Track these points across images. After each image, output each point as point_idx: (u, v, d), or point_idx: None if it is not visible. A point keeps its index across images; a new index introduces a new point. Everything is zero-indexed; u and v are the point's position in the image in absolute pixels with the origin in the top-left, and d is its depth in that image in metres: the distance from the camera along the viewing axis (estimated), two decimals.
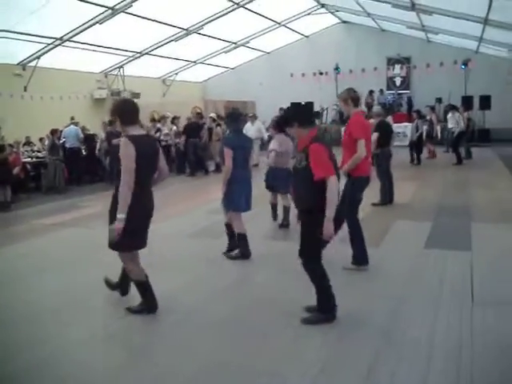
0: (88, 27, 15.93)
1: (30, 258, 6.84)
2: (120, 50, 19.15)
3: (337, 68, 22.83)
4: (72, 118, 15.38)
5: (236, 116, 6.34)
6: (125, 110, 4.39)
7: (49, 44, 16.45)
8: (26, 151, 14.35)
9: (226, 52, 22.99)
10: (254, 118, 15.88)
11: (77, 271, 6.12)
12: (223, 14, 18.70)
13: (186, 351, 3.98)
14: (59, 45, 16.54)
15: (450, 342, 3.93)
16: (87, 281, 5.66)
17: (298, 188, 4.29)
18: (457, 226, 7.60)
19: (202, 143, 15.28)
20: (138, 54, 20.12)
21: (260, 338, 4.14)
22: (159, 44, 19.67)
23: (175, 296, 5.10)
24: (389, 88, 23.72)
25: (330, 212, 4.00)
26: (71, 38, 16.36)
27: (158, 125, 15.70)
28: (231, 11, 18.68)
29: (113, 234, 4.20)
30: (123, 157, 4.19)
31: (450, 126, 15.93)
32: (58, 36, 16.14)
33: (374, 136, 8.66)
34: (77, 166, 13.91)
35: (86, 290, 5.42)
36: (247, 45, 22.90)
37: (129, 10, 15.70)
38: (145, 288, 4.61)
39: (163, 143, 14.85)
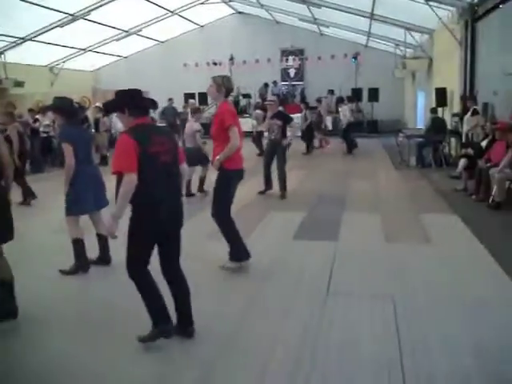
0: None
1: None
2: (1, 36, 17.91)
3: (231, 58, 22.81)
4: None
5: (69, 106, 5.57)
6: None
7: None
8: None
9: (117, 40, 22.22)
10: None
11: None
12: (112, 0, 18.00)
13: None
14: None
15: (294, 338, 3.88)
16: None
17: None
18: (329, 217, 7.71)
19: None
20: (21, 40, 18.93)
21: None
22: (44, 29, 18.58)
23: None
24: (283, 79, 24.07)
25: (116, 208, 3.55)
26: None
27: (37, 115, 14.85)
28: None
29: None
30: None
31: (341, 117, 16.46)
32: None
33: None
34: None
35: None
36: (140, 33, 22.28)
37: None
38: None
39: (44, 135, 14.12)
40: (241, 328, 4.09)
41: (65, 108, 5.46)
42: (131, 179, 3.46)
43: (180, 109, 18.66)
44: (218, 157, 5.11)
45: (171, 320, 3.78)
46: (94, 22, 19.18)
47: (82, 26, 19.07)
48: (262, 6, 20.71)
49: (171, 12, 21.46)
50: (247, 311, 4.41)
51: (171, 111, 18.42)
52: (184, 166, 3.99)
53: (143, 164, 3.49)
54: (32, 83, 19.95)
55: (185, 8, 21.55)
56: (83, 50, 22.46)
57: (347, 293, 4.76)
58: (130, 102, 3.71)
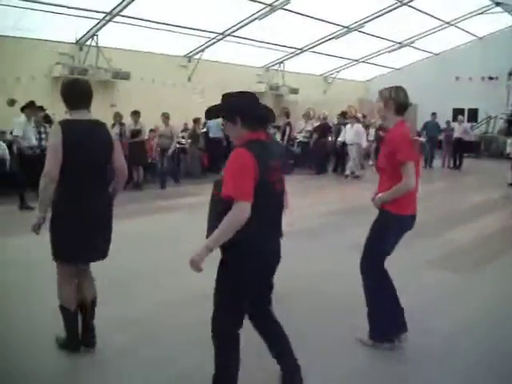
0: (248, 23, 16.76)
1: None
2: (280, 46, 19.74)
3: (511, 73, 21.05)
4: None
5: None
6: (71, 92, 3.73)
7: (212, 38, 17.60)
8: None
9: (389, 52, 22.45)
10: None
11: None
12: (386, 12, 18.29)
13: None
14: (221, 39, 17.62)
15: None
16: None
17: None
18: None
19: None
20: (299, 51, 20.57)
21: None
22: (320, 41, 19.88)
23: None
24: None
25: (214, 240, 2.79)
26: (232, 33, 17.32)
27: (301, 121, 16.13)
28: (395, 9, 18.21)
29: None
30: (48, 145, 3.74)
31: None
32: (221, 31, 17.21)
33: None
34: (218, 155, 14.65)
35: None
36: (413, 45, 22.10)
37: (287, 7, 16.15)
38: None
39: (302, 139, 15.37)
40: None
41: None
42: (245, 209, 2.75)
43: (443, 124, 18.16)
44: (380, 194, 3.93)
45: None
46: (368, 33, 19.75)
47: (355, 37, 19.86)
48: None
49: (447, 23, 20.79)
50: None
51: (433, 126, 17.98)
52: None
53: (258, 193, 2.79)
54: (305, 91, 21.50)
55: (462, 19, 20.65)
56: (356, 60, 23.27)
57: None
58: (246, 109, 2.95)
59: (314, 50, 20.61)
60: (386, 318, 3.99)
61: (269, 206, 2.93)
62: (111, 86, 15.95)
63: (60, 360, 3.84)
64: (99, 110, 12.52)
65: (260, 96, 15.11)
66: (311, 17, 17.22)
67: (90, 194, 3.69)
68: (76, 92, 3.70)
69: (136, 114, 12.26)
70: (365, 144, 14.89)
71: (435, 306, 4.97)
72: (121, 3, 13.72)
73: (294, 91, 21.61)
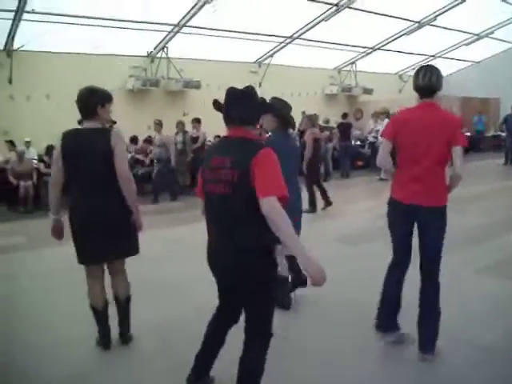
0: (315, 25, 16.67)
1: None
2: (351, 46, 19.46)
3: None
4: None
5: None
6: (77, 104, 3.92)
7: (280, 43, 17.69)
8: None
9: (466, 45, 21.49)
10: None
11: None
12: (459, 3, 17.55)
13: None
14: (289, 43, 17.67)
15: None
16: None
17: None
18: None
19: None
20: (370, 50, 20.20)
21: None
22: (391, 38, 19.41)
23: None
24: None
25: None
26: (300, 36, 17.30)
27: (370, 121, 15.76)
28: None
29: None
30: None
31: None
32: (289, 35, 17.26)
33: None
34: None
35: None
36: (492, 36, 21.03)
37: (353, 6, 15.93)
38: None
39: (372, 140, 14.98)
40: None
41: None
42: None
43: None
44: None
45: None
46: (441, 27, 19.03)
47: (428, 32, 19.19)
48: None
49: None
50: None
51: None
52: None
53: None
54: (380, 90, 21.07)
55: None
56: (432, 56, 22.49)
57: None
58: (224, 108, 2.93)
59: (386, 47, 20.11)
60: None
61: (207, 211, 2.94)
62: (182, 96, 16.44)
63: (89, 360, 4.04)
64: (172, 119, 13.12)
65: (333, 98, 15.17)
66: (379, 13, 16.83)
67: (89, 200, 3.86)
68: (78, 104, 3.91)
69: (196, 121, 12.56)
70: None
71: (482, 315, 4.67)
72: (186, 15, 14.11)
73: (368, 91, 21.26)
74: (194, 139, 12.56)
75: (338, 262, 5.80)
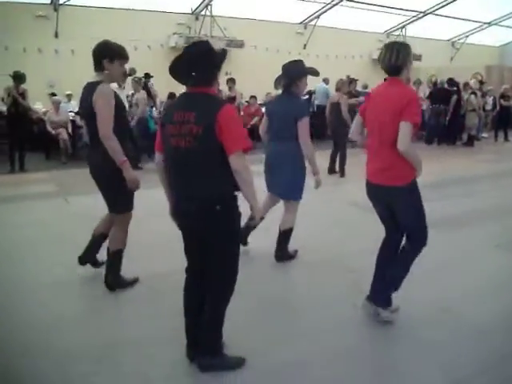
0: None
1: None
2: (401, 10, 18.83)
3: None
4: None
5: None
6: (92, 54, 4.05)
7: (327, 4, 17.31)
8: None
9: None
10: None
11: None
12: None
13: None
14: (337, 4, 17.25)
15: None
16: None
17: None
18: None
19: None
20: (422, 14, 19.53)
21: None
22: (445, 3, 18.65)
23: None
24: None
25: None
26: None
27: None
28: None
29: None
30: None
31: None
32: None
33: None
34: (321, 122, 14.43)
35: None
36: None
37: None
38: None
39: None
40: None
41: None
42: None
43: None
44: None
45: None
46: None
47: None
48: None
49: None
50: None
51: None
52: None
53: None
54: (430, 57, 20.38)
55: None
56: (487, 23, 21.54)
57: None
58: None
59: (438, 12, 19.37)
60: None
61: (171, 164, 3.02)
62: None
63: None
64: None
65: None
66: None
67: (89, 152, 4.20)
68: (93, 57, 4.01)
69: (231, 81, 12.52)
70: None
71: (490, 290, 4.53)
72: None
73: (417, 58, 20.51)
74: (231, 99, 12.54)
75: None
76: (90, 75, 4.07)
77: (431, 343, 3.54)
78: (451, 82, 14.82)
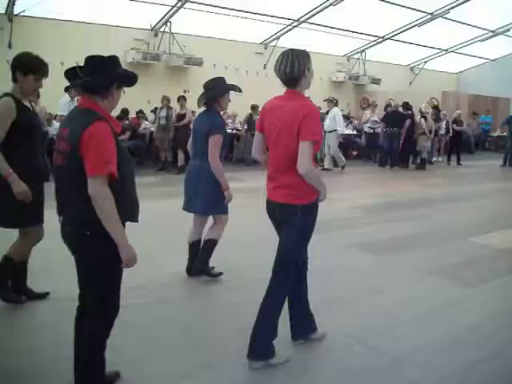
0: (323, 9, 16.38)
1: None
2: (360, 34, 19.10)
3: None
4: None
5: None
6: None
7: (287, 25, 17.45)
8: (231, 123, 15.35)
9: (481, 41, 21.00)
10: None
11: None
12: None
13: None
14: (297, 26, 17.42)
15: None
16: None
17: None
18: None
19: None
20: (380, 39, 19.87)
21: None
22: (402, 29, 19.02)
23: None
24: None
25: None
26: (308, 19, 17.05)
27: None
28: None
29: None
30: None
31: None
32: (296, 17, 17.01)
33: None
34: None
35: None
36: (508, 33, 20.53)
37: None
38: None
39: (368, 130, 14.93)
40: None
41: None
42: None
43: None
44: None
45: None
46: (455, 20, 18.58)
47: (441, 25, 18.72)
48: None
49: None
50: None
51: None
52: None
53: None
54: (389, 81, 20.74)
55: None
56: (445, 50, 22.07)
57: None
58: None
59: (397, 38, 19.75)
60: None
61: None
62: (184, 72, 16.32)
63: None
64: (173, 95, 13.00)
65: (340, 85, 15.11)
66: (390, 2, 16.47)
67: None
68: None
69: (183, 98, 12.48)
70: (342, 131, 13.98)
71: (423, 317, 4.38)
72: None
73: (376, 81, 20.97)
74: (181, 116, 12.45)
75: None
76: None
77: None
78: (406, 105, 15.10)
